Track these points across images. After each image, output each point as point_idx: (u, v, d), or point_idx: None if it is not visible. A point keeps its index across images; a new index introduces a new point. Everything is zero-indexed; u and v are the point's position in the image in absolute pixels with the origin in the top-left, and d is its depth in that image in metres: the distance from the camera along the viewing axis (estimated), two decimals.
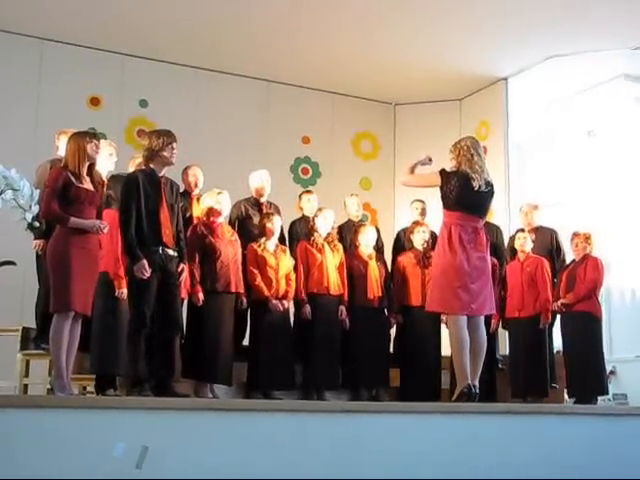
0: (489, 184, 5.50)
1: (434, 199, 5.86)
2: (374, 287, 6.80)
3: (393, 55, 8.87)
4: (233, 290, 6.12)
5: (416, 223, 7.21)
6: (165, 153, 5.25)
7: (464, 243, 5.39)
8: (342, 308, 6.68)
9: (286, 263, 6.52)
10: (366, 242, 6.96)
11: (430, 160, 5.66)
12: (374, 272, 6.84)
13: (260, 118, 9.49)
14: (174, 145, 5.27)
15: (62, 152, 5.84)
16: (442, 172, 5.49)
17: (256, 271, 6.36)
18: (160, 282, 5.21)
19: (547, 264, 7.11)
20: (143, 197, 5.18)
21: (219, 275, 6.04)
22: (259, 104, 9.55)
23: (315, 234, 6.71)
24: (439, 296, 5.49)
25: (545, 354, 6.97)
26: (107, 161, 5.89)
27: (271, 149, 9.29)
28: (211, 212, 6.18)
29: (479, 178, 5.41)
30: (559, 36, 8.22)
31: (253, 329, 6.44)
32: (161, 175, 5.31)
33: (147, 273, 5.08)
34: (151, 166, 5.28)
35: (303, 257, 6.64)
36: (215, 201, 6.20)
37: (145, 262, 5.08)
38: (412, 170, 5.72)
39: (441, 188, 5.47)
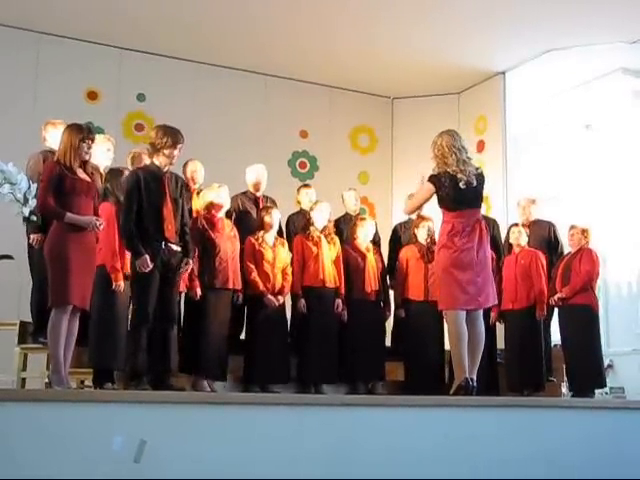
0: (478, 176, 5.45)
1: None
2: (371, 280, 6.80)
3: (391, 49, 8.86)
4: (231, 287, 6.14)
5: (421, 217, 7.18)
6: (166, 152, 5.26)
7: (467, 237, 5.37)
8: (338, 301, 6.69)
9: (283, 257, 6.52)
10: (364, 235, 6.96)
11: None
12: (371, 265, 6.85)
13: (258, 112, 9.48)
14: (178, 147, 5.27)
15: (49, 143, 5.88)
16: (432, 178, 5.42)
17: (252, 265, 6.36)
18: (162, 276, 5.24)
19: (542, 256, 7.13)
20: (145, 193, 5.20)
21: (218, 271, 6.05)
22: (257, 98, 9.54)
23: (311, 227, 6.71)
24: (447, 293, 5.44)
25: (540, 347, 6.98)
26: (105, 156, 5.90)
27: (269, 143, 9.28)
28: (212, 206, 6.19)
29: (463, 177, 5.34)
30: (557, 30, 8.21)
31: (249, 323, 6.45)
32: (165, 170, 5.32)
33: (149, 267, 5.11)
34: (155, 161, 5.31)
35: (299, 251, 6.64)
36: (216, 195, 6.20)
37: (147, 257, 5.10)
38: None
39: (437, 193, 5.42)
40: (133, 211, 5.17)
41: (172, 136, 5.26)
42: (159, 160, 5.29)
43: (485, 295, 5.44)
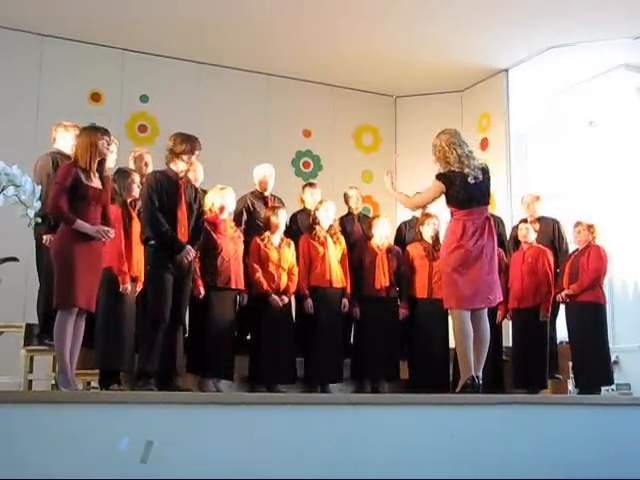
0: (483, 170, 5.41)
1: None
2: (382, 277, 6.78)
3: (394, 47, 8.86)
4: (233, 286, 6.14)
5: (426, 215, 7.15)
6: (184, 157, 5.51)
7: (477, 236, 5.33)
8: (345, 301, 6.68)
9: (289, 257, 6.51)
10: (380, 233, 6.96)
11: (389, 172, 5.78)
12: (382, 262, 6.82)
13: (261, 112, 9.49)
14: (195, 153, 5.54)
15: (59, 145, 5.90)
16: (441, 177, 5.37)
17: (257, 266, 6.36)
18: (174, 278, 5.40)
19: (549, 254, 7.09)
20: (162, 196, 5.43)
21: (219, 271, 6.06)
22: (260, 98, 9.55)
23: (317, 227, 6.70)
24: (455, 292, 5.37)
25: (545, 345, 6.95)
26: (109, 158, 5.89)
27: (272, 143, 9.29)
28: (214, 208, 6.19)
29: (470, 172, 5.31)
30: (560, 26, 8.20)
31: (255, 323, 6.45)
32: (182, 176, 5.55)
33: (194, 253, 5.47)
34: (172, 167, 5.52)
35: (305, 251, 6.64)
36: (218, 197, 6.21)
37: (189, 247, 5.42)
38: (395, 189, 5.81)
39: (447, 192, 5.36)
40: (157, 210, 5.39)
41: (191, 143, 5.53)
42: (176, 166, 5.53)
43: (494, 293, 5.43)
